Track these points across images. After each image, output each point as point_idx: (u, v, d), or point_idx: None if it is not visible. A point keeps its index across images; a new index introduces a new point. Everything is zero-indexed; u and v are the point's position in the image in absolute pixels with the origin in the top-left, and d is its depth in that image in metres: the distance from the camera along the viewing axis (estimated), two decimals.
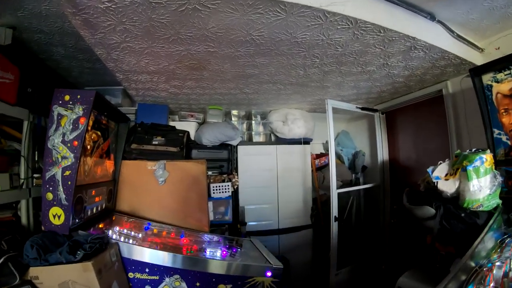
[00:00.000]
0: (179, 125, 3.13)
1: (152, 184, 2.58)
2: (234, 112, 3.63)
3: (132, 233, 2.19)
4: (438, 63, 2.22)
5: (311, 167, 3.59)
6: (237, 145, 3.33)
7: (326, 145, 4.08)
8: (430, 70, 2.38)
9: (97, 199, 2.08)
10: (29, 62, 2.07)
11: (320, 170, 3.69)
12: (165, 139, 2.79)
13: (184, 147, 2.76)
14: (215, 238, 2.56)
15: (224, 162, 3.09)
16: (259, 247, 2.36)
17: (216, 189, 2.96)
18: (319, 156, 3.75)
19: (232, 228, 3.12)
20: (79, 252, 1.47)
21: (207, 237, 2.56)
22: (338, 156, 3.94)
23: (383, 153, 3.72)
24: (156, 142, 2.76)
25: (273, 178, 3.43)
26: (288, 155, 3.51)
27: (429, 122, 3.11)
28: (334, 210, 2.95)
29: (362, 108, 3.54)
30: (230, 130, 3.03)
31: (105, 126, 2.24)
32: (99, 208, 2.13)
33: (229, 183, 2.97)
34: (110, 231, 2.01)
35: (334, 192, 2.97)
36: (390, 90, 3.05)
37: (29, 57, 2.10)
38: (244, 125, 3.62)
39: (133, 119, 3.01)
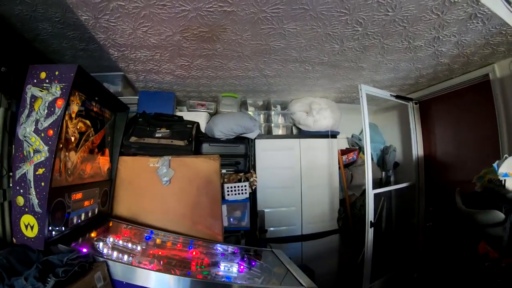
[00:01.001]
0: (188, 117, 2.70)
1: (154, 185, 2.16)
2: (250, 101, 3.20)
3: (130, 245, 1.80)
4: (493, 39, 1.87)
5: (338, 164, 3.13)
6: (255, 139, 2.90)
7: (351, 140, 3.62)
8: (481, 48, 2.03)
9: (86, 203, 1.69)
10: (4, 38, 1.67)
11: (347, 167, 3.23)
12: (171, 131, 2.35)
13: (193, 140, 2.34)
14: (230, 248, 2.15)
15: (240, 159, 2.66)
16: (283, 260, 1.93)
17: (231, 190, 2.54)
18: (345, 151, 3.29)
19: (250, 235, 2.70)
20: (49, 279, 1.07)
21: (220, 247, 2.14)
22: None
23: (417, 148, 3.25)
24: (160, 135, 2.31)
25: (296, 176, 2.99)
26: (313, 150, 3.06)
27: (471, 112, 2.70)
28: (370, 214, 2.51)
29: (397, 96, 3.07)
30: (248, 120, 2.60)
31: (97, 114, 1.83)
32: (89, 214, 1.74)
33: (247, 183, 2.54)
34: (102, 243, 1.61)
35: (371, 193, 2.52)
36: (429, 75, 2.64)
37: (5, 33, 1.71)
38: (262, 116, 3.18)
39: (135, 110, 2.62)
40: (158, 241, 2.01)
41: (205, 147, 2.58)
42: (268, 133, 3.10)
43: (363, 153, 3.39)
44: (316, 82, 2.69)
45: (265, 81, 2.59)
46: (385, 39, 1.84)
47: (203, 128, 2.78)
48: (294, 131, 3.25)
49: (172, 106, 2.81)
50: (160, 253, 1.85)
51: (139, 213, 2.14)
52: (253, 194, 2.80)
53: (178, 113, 2.82)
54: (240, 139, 2.70)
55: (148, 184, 2.14)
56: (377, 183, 3.33)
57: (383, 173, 3.41)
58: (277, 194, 2.93)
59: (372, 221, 2.52)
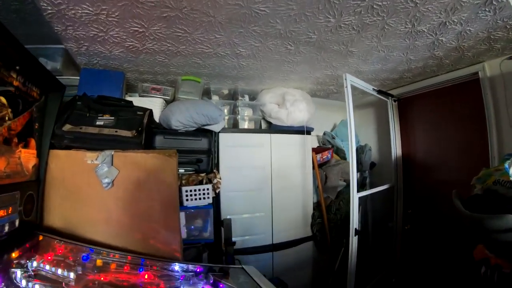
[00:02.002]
0: (139, 104, 2.12)
1: (94, 188, 1.63)
2: (214, 88, 2.73)
3: (60, 271, 1.31)
4: (495, 34, 1.78)
5: (312, 163, 2.79)
6: (219, 132, 2.44)
7: (323, 138, 3.32)
8: (478, 43, 1.93)
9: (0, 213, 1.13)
10: None
11: (320, 167, 2.90)
12: (116, 118, 1.81)
13: (143, 131, 1.82)
14: (192, 268, 1.69)
15: (202, 156, 2.17)
16: (258, 280, 1.52)
17: (192, 195, 2.05)
18: (319, 150, 2.97)
19: (214, 248, 2.25)
20: None
21: (180, 267, 1.68)
22: (337, 151, 3.20)
23: (396, 148, 3.05)
24: (102, 123, 1.75)
25: (266, 177, 2.59)
26: (285, 147, 2.68)
27: (455, 111, 2.59)
28: (355, 221, 2.20)
29: (379, 92, 2.82)
30: (212, 109, 2.14)
31: (18, 91, 1.26)
32: (6, 229, 1.18)
33: (210, 186, 2.07)
34: (19, 271, 1.10)
35: (355, 197, 2.22)
36: (417, 70, 2.49)
37: None
38: (227, 107, 2.72)
39: (76, 93, 2.01)
40: (99, 262, 1.51)
41: (159, 140, 2.05)
42: (234, 127, 2.66)
43: (338, 153, 3.12)
44: (294, 69, 2.31)
45: (236, 63, 2.14)
46: (389, 17, 1.56)
47: (157, 117, 2.26)
48: (264, 125, 2.85)
49: (120, 89, 2.23)
50: (102, 278, 1.41)
51: (76, 224, 1.63)
52: (217, 198, 2.35)
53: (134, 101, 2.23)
54: (202, 132, 2.21)
55: (86, 187, 1.63)
56: (349, 185, 3.06)
57: (358, 173, 3.16)
58: (243, 199, 2.51)
59: (357, 228, 2.21)
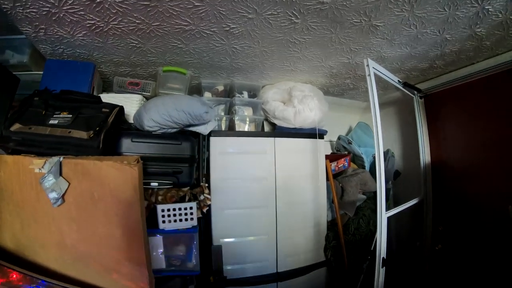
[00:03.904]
0: (114, 102, 1.73)
1: (44, 204, 1.29)
2: (206, 83, 2.27)
3: None
4: None
5: (326, 173, 2.30)
6: (209, 135, 1.98)
7: (337, 143, 2.83)
8: None
9: None
10: None
11: (335, 178, 2.41)
12: (74, 116, 1.46)
13: (102, 131, 1.39)
14: None
15: (183, 165, 1.68)
16: None
17: (169, 215, 1.58)
18: (334, 157, 2.48)
19: (201, 280, 1.77)
20: None
21: None
22: (353, 158, 2.71)
23: (424, 153, 2.54)
24: (56, 122, 1.42)
25: (269, 191, 2.10)
26: (293, 154, 2.19)
27: (495, 109, 2.05)
28: (382, 248, 1.70)
29: (405, 84, 2.33)
30: (196, 104, 1.68)
31: None
32: None
33: (194, 204, 1.60)
34: None
35: (384, 217, 1.72)
36: (450, 56, 1.99)
37: None
38: (222, 107, 2.27)
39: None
40: None
41: (126, 144, 1.57)
42: (230, 129, 2.19)
43: (354, 161, 2.62)
44: (302, 54, 1.84)
45: (227, 47, 1.69)
46: None
47: (132, 118, 1.82)
48: (266, 128, 2.37)
49: (89, 82, 1.85)
50: None
51: (27, 246, 1.35)
52: (206, 219, 1.88)
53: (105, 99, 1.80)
54: (183, 135, 1.74)
55: (34, 202, 1.32)
56: (371, 198, 2.56)
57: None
58: (241, 218, 2.03)
59: (385, 257, 1.71)
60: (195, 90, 2.35)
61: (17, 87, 1.61)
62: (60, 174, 1.26)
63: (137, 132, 1.69)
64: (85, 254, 1.31)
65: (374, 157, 2.72)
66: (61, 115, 1.45)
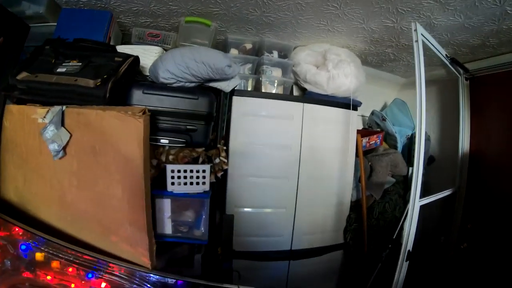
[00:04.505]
0: (133, 53, 1.54)
1: (47, 156, 1.20)
2: (233, 38, 2.06)
3: None
4: None
5: (356, 149, 2.08)
6: (232, 94, 1.79)
7: (370, 119, 2.59)
8: None
9: None
10: None
11: (364, 156, 2.19)
12: (83, 64, 1.32)
13: (110, 80, 1.24)
14: (165, 280, 1.15)
15: (198, 122, 1.46)
16: None
17: (180, 177, 1.42)
18: (366, 133, 2.25)
19: (208, 251, 1.63)
20: None
21: (149, 279, 1.13)
22: (386, 137, 2.47)
23: (463, 141, 2.27)
24: (63, 70, 1.29)
25: (293, 162, 1.90)
26: (323, 123, 1.96)
27: None
28: (410, 239, 1.52)
29: (452, 60, 2.04)
30: (218, 56, 1.46)
31: None
32: None
33: (208, 167, 1.42)
34: None
35: (416, 205, 1.53)
36: (507, 34, 1.74)
37: None
38: (248, 66, 2.05)
39: None
40: (38, 256, 1.11)
41: (136, 95, 1.39)
42: (255, 90, 1.98)
43: (386, 140, 2.38)
44: (342, 11, 1.62)
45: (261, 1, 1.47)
46: None
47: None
48: (296, 92, 2.14)
49: (104, 31, 1.74)
50: (34, 277, 1.07)
51: (29, 199, 1.28)
52: (221, 185, 1.71)
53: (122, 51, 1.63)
54: (201, 90, 1.54)
55: (37, 154, 1.24)
56: (399, 183, 2.34)
57: (411, 169, 2.41)
58: (259, 187, 1.85)
59: (410, 251, 1.52)
60: (221, 47, 2.15)
61: (27, 35, 1.55)
62: (62, 125, 1.15)
63: (151, 83, 1.51)
64: (84, 212, 1.21)
65: (408, 138, 2.51)
66: (70, 63, 1.33)
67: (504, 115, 2.08)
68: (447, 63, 2.05)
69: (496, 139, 2.16)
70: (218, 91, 1.64)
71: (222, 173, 1.54)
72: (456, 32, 1.78)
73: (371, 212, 2.16)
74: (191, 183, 1.43)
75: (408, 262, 1.55)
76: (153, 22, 1.91)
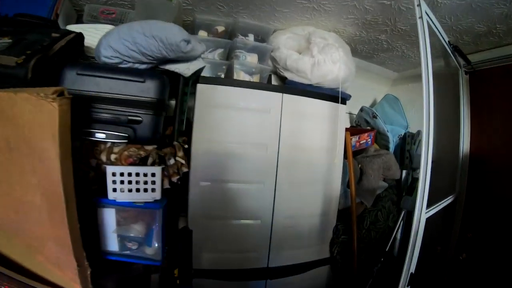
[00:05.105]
0: (86, 35, 1.33)
1: None
2: (201, 19, 1.74)
3: None
4: None
5: (345, 150, 1.79)
6: (197, 81, 1.47)
7: (360, 116, 2.31)
8: None
9: None
10: None
11: (353, 157, 1.90)
12: (14, 41, 1.08)
13: (33, 56, 0.98)
14: None
15: (145, 112, 1.12)
16: None
17: (123, 182, 1.10)
18: (356, 131, 1.97)
19: (165, 273, 1.33)
20: None
21: None
22: (376, 137, 2.20)
23: (463, 142, 2.04)
24: None
25: (269, 163, 1.58)
26: (306, 118, 1.66)
27: None
28: (413, 259, 1.24)
29: (455, 49, 1.79)
30: (173, 30, 1.14)
31: None
32: None
33: (158, 169, 1.10)
34: None
35: (423, 217, 1.26)
36: None
37: None
38: (219, 51, 1.74)
39: None
40: None
41: (69, 77, 1.06)
42: (228, 77, 1.67)
43: (377, 140, 2.12)
44: None
45: None
46: None
47: None
48: (275, 82, 1.84)
49: (49, 6, 1.50)
50: None
51: None
52: (180, 191, 1.39)
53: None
54: (150, 71, 1.22)
55: None
56: (392, 187, 2.08)
57: (404, 172, 2.16)
58: (230, 195, 1.54)
59: (413, 273, 1.23)
60: (189, 31, 1.83)
61: None
62: None
63: (89, 64, 1.21)
64: (5, 224, 0.93)
65: (400, 138, 2.25)
66: (0, 40, 1.08)
67: (508, 113, 1.86)
68: (450, 52, 1.80)
69: (499, 140, 1.95)
70: (177, 76, 1.32)
71: (179, 177, 1.21)
72: (462, 15, 1.53)
73: (362, 222, 1.88)
74: (138, 190, 1.11)
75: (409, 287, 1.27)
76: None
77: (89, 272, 0.93)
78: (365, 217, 1.88)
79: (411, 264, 1.23)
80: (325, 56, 1.62)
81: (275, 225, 1.62)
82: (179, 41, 1.13)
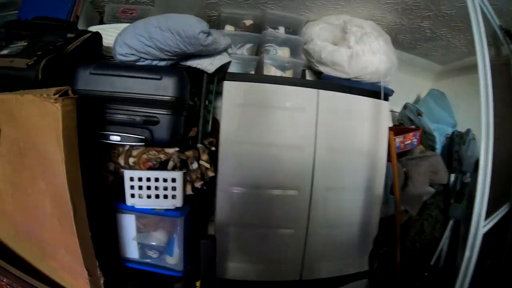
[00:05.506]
0: (105, 35, 1.30)
1: None
2: (228, 13, 1.64)
3: None
4: None
5: (388, 151, 1.60)
6: (223, 78, 1.35)
7: (403, 114, 2.11)
8: None
9: None
10: None
11: (398, 159, 1.71)
12: (29, 44, 1.07)
13: (44, 58, 0.95)
14: None
15: (163, 112, 1.01)
16: None
17: (142, 187, 1.01)
18: (400, 130, 1.77)
19: (188, 282, 1.22)
20: None
21: None
22: (422, 138, 1.98)
23: None
24: (6, 51, 1.05)
25: (304, 168, 1.43)
26: (344, 116, 1.49)
27: None
28: (466, 282, 1.08)
29: (507, 33, 1.55)
30: (189, 22, 1.03)
31: None
32: None
33: (178, 174, 0.99)
34: None
35: (479, 232, 1.10)
36: None
37: None
38: (248, 46, 1.62)
39: None
40: None
41: (82, 77, 1.00)
42: (258, 73, 1.55)
43: (422, 140, 1.92)
44: None
45: None
46: None
47: None
48: (309, 77, 1.69)
49: (68, 8, 1.49)
50: None
51: None
52: (208, 197, 1.28)
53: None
54: (168, 68, 1.13)
55: None
56: (439, 194, 1.86)
57: (452, 176, 1.94)
58: (259, 202, 1.41)
59: None
60: (215, 26, 1.75)
61: None
62: None
63: (103, 62, 1.17)
64: (22, 227, 0.91)
65: (447, 138, 2.03)
66: (16, 44, 1.09)
67: None
68: (501, 38, 1.57)
69: None
70: (201, 73, 1.21)
71: (202, 182, 1.10)
72: None
73: (405, 232, 1.69)
74: (157, 196, 1.02)
75: None
76: None
77: (102, 282, 0.89)
78: (409, 227, 1.69)
79: (463, 285, 1.05)
80: (363, 46, 1.45)
81: (310, 234, 1.47)
82: (197, 33, 1.01)
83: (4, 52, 1.05)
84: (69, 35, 1.12)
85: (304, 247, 1.48)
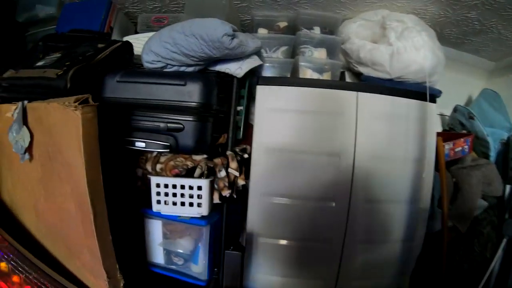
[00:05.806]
0: (136, 44, 1.35)
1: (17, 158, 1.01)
2: (261, 16, 1.62)
3: None
4: None
5: (436, 159, 1.44)
6: (256, 83, 1.29)
7: (453, 118, 1.93)
8: None
9: None
10: None
11: (447, 169, 1.55)
12: (62, 55, 1.16)
13: (72, 67, 0.99)
14: None
15: (187, 118, 1.00)
16: None
17: (168, 194, 1.04)
18: (450, 135, 1.61)
19: None
20: None
21: None
22: (475, 144, 1.80)
23: None
24: (42, 63, 1.13)
25: (342, 177, 1.32)
26: (386, 121, 1.35)
27: None
28: None
29: None
30: (212, 25, 1.02)
31: None
32: None
33: (205, 182, 0.95)
34: None
35: None
36: None
37: None
38: (283, 49, 1.56)
39: None
40: (3, 266, 0.94)
41: (110, 85, 1.05)
42: (293, 76, 1.51)
43: (474, 146, 1.74)
44: None
45: None
46: None
47: None
48: (348, 79, 1.59)
49: (101, 19, 1.60)
50: None
51: (16, 204, 1.13)
52: (240, 205, 1.24)
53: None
54: (192, 74, 1.10)
55: (13, 155, 1.04)
56: (493, 207, 1.67)
57: (508, 188, 1.73)
58: (294, 212, 1.33)
59: None
60: (248, 30, 1.75)
61: (24, 33, 1.70)
62: (25, 123, 0.94)
63: (130, 70, 1.18)
64: (52, 226, 1.02)
65: (503, 143, 1.82)
66: (52, 56, 1.18)
67: None
68: None
69: None
70: (230, 78, 1.16)
71: (230, 191, 1.04)
72: None
73: (453, 250, 1.52)
74: (182, 204, 1.00)
75: None
76: (162, 7, 1.72)
77: (122, 284, 0.93)
78: (457, 245, 1.52)
79: None
80: (405, 43, 1.34)
81: (346, 249, 1.36)
82: (221, 36, 0.98)
83: (40, 63, 1.14)
84: (100, 45, 1.20)
85: (339, 263, 1.37)
